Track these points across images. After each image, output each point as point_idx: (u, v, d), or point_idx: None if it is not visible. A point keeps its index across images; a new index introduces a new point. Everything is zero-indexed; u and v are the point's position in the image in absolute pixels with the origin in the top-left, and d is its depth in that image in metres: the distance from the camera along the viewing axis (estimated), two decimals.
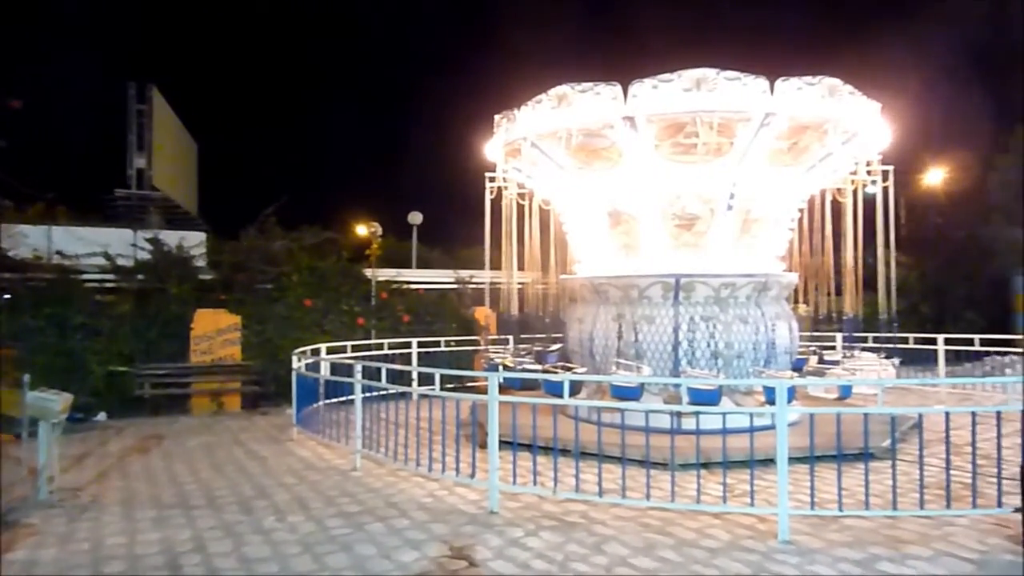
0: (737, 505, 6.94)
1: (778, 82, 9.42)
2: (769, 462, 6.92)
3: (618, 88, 9.70)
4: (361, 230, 26.08)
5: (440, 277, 21.53)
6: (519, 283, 14.02)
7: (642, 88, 9.55)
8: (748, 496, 6.79)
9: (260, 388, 14.08)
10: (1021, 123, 25.76)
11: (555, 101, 10.10)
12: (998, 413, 6.68)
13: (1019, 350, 16.27)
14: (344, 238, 21.71)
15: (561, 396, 7.76)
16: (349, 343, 13.49)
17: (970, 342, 15.64)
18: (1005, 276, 23.82)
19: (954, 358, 16.29)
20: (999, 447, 6.52)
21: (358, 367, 8.96)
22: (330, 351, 12.41)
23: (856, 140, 10.51)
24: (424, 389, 8.83)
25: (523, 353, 12.12)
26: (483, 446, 7.72)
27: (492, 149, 11.87)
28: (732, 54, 9.81)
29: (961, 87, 27.67)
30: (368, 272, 16.55)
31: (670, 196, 10.43)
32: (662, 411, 8.00)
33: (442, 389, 8.30)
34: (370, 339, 14.67)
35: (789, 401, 6.80)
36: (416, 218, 28.29)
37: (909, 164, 22.65)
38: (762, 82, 9.37)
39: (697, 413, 7.26)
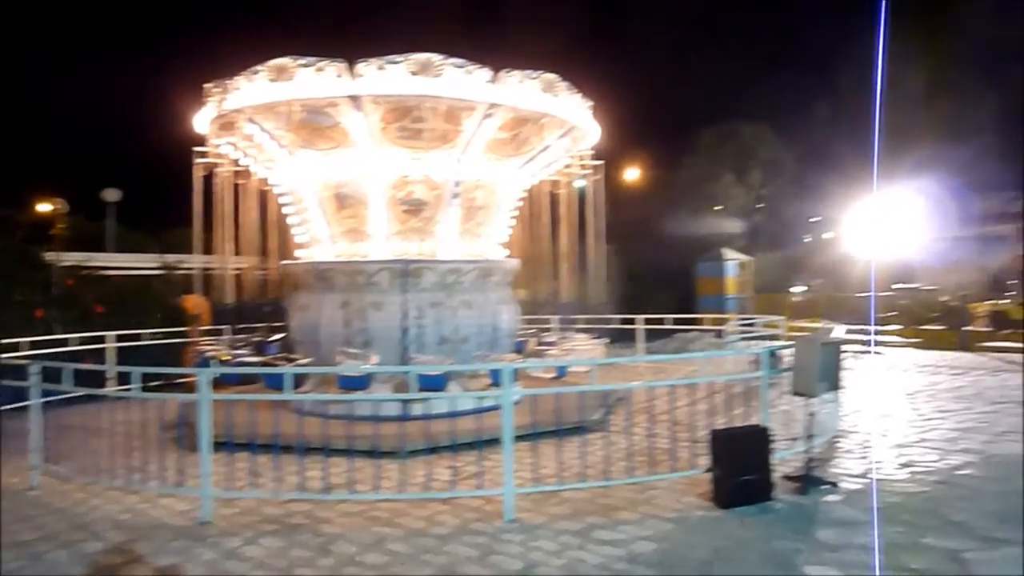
0: (466, 489, 6.99)
1: (501, 73, 9.64)
2: (495, 442, 7.05)
3: (344, 65, 9.30)
4: (43, 207, 22.51)
5: (142, 262, 19.35)
6: (236, 269, 12.99)
7: (368, 68, 9.25)
8: (476, 479, 6.86)
9: None
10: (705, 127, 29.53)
11: (274, 73, 9.42)
12: (692, 385, 7.46)
13: (702, 327, 18.64)
14: (20, 216, 18.57)
15: (283, 390, 7.25)
16: (26, 339, 11.53)
17: (662, 321, 17.66)
18: (689, 262, 27.20)
19: (649, 336, 18.25)
20: (690, 414, 7.27)
21: (35, 367, 7.64)
22: None
23: (571, 135, 11.16)
24: (121, 390, 7.77)
25: (241, 345, 11.26)
26: (194, 450, 6.95)
27: (202, 121, 10.79)
28: (462, 43, 9.84)
29: (657, 91, 31.02)
30: (50, 256, 14.28)
31: (398, 181, 10.27)
32: (391, 399, 7.84)
33: (144, 389, 7.33)
34: (53, 334, 12.68)
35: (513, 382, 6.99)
36: (112, 195, 25.10)
37: (614, 158, 24.83)
38: (486, 72, 9.53)
39: (426, 399, 7.19)
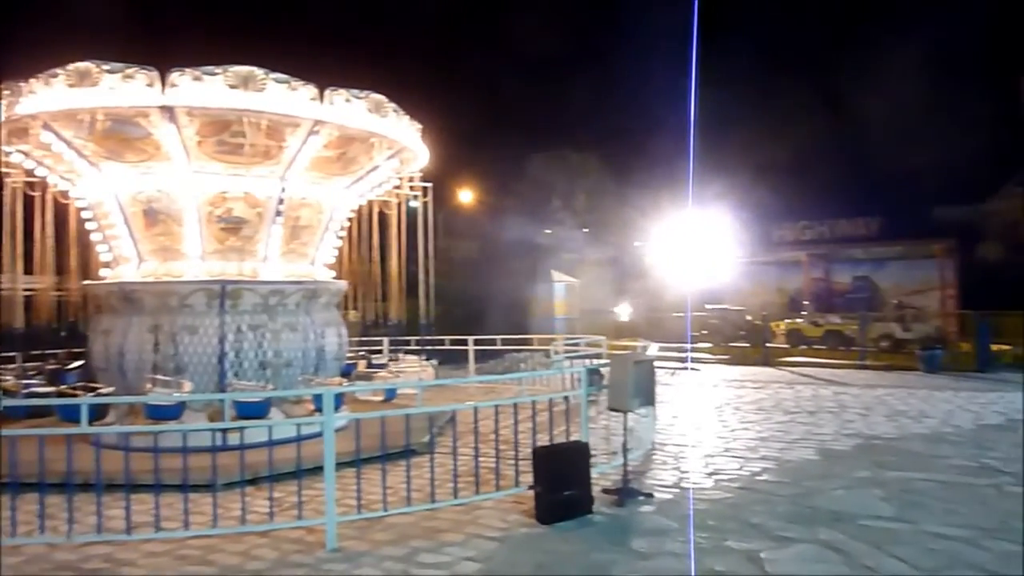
0: (285, 520, 6.69)
1: (327, 91, 9.46)
2: (318, 470, 6.82)
3: (155, 74, 8.76)
4: None
5: None
6: (27, 289, 11.76)
7: (183, 78, 8.77)
8: (296, 509, 6.60)
9: None
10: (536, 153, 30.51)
11: (75, 78, 8.70)
12: (515, 405, 7.60)
13: (532, 347, 19.10)
14: None
15: (79, 422, 6.61)
16: None
17: (493, 342, 17.94)
18: (521, 284, 27.91)
19: (482, 356, 18.47)
20: (516, 433, 7.41)
21: None
22: None
23: (400, 156, 11.12)
24: None
25: (33, 374, 10.20)
26: None
27: None
28: (295, 64, 9.50)
29: (491, 119, 31.74)
30: None
31: (215, 197, 9.77)
32: (204, 429, 7.36)
33: None
34: None
35: (338, 407, 6.80)
36: None
37: (446, 182, 25.05)
38: (311, 89, 9.31)
39: (242, 427, 6.84)
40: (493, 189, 32.52)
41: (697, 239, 25.98)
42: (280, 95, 9.03)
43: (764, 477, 8.26)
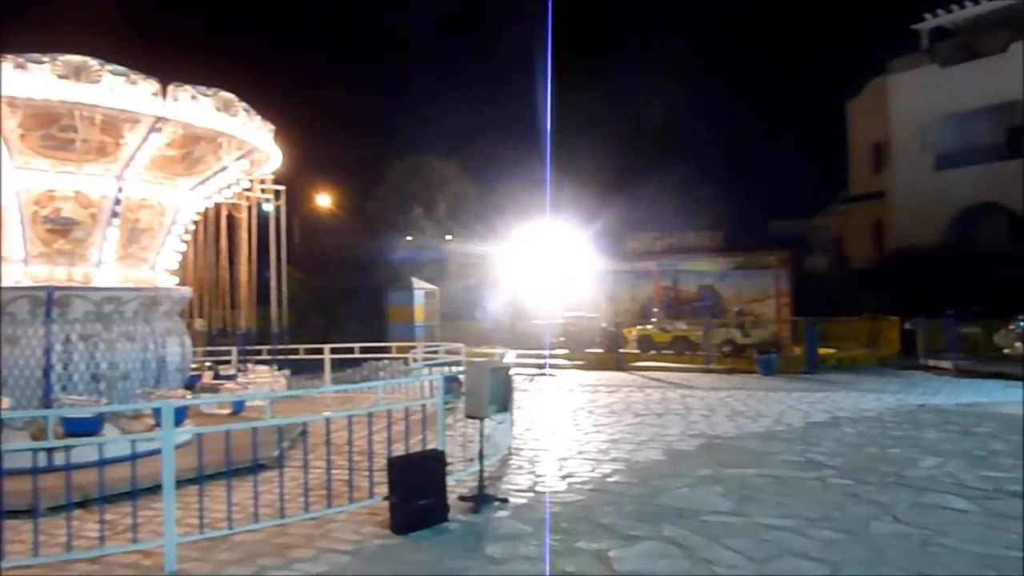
0: (118, 544, 6.23)
1: (171, 87, 8.94)
2: (157, 489, 6.40)
3: None
4: None
5: None
6: None
7: (4, 65, 8.01)
8: (132, 531, 6.16)
9: None
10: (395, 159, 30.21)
11: None
12: (369, 414, 7.48)
13: (391, 355, 18.87)
14: None
15: None
16: None
17: (351, 350, 17.57)
18: (381, 291, 27.52)
19: (339, 365, 18.03)
20: (371, 443, 7.29)
21: None
22: None
23: (250, 157, 10.68)
24: None
25: None
26: None
27: None
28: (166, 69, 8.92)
29: (350, 125, 31.18)
30: None
31: (41, 196, 9.00)
32: (24, 449, 6.73)
33: None
34: None
35: (181, 421, 6.41)
36: None
37: (303, 186, 24.34)
38: (153, 84, 8.77)
39: (68, 446, 6.31)
40: (353, 195, 31.99)
41: (555, 248, 26.65)
42: (117, 88, 8.43)
43: (615, 478, 8.55)
